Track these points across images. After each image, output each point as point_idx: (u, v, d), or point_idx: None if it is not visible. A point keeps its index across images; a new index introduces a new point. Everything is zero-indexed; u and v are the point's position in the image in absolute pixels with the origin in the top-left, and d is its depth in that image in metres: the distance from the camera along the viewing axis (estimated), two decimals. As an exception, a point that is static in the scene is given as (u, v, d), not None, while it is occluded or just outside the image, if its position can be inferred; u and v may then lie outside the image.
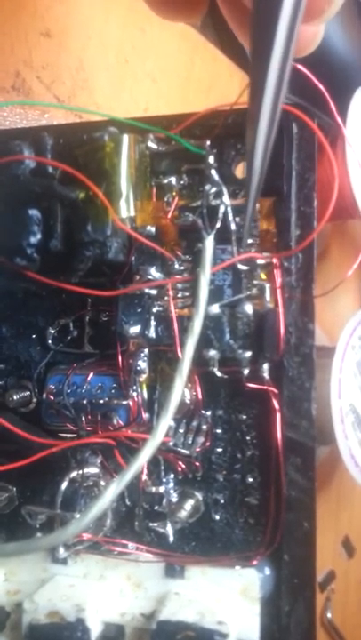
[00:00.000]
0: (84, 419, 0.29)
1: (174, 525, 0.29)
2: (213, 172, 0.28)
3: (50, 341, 0.32)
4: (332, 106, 0.29)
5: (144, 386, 0.29)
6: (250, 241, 0.28)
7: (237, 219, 0.28)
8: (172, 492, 0.30)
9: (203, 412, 0.29)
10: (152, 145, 0.29)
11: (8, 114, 0.42)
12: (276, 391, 0.28)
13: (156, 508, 0.30)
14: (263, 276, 0.28)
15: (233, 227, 0.28)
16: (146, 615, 0.28)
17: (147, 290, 0.29)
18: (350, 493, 0.74)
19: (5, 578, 0.30)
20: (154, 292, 0.29)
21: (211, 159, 0.29)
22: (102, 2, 0.49)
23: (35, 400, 0.32)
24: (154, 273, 0.29)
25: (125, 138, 0.29)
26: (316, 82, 0.28)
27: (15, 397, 0.31)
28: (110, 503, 0.26)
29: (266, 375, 0.28)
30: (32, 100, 0.44)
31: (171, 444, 0.29)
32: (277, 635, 0.28)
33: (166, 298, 0.29)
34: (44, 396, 0.31)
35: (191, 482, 0.30)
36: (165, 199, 0.30)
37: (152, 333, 0.29)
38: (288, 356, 0.28)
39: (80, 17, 0.47)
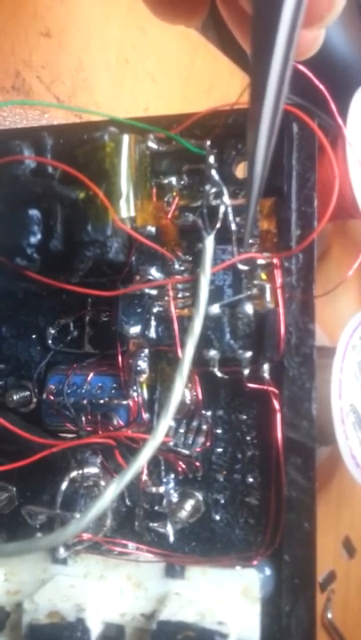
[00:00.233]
0: (84, 419, 0.29)
1: (174, 525, 0.29)
2: (214, 172, 0.28)
3: (50, 341, 0.32)
4: (333, 106, 0.29)
5: (144, 386, 0.29)
6: (250, 241, 0.28)
7: (238, 219, 0.28)
8: (172, 492, 0.30)
9: (203, 412, 0.29)
10: (152, 145, 0.29)
11: (8, 114, 0.42)
12: (276, 391, 0.28)
13: (156, 508, 0.30)
14: (264, 276, 0.28)
15: (233, 227, 0.28)
16: (146, 615, 0.28)
17: (147, 290, 0.29)
18: (351, 494, 0.74)
19: (5, 578, 0.30)
20: (154, 292, 0.29)
21: (211, 159, 0.29)
22: (103, 2, 0.49)
23: (35, 400, 0.32)
24: (154, 273, 0.29)
25: (126, 138, 0.29)
26: (317, 82, 0.27)
27: (15, 397, 0.31)
28: (110, 503, 0.26)
29: (266, 375, 0.28)
30: (32, 99, 0.44)
31: (171, 444, 0.29)
32: (278, 635, 0.27)
33: (167, 298, 0.29)
34: (44, 396, 0.31)
35: (191, 482, 0.30)
36: (166, 199, 0.30)
37: (152, 333, 0.29)
38: (289, 357, 0.28)
39: (80, 17, 0.47)
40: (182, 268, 0.29)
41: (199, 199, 0.29)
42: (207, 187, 0.28)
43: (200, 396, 0.29)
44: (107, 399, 0.29)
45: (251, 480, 0.29)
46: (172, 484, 0.30)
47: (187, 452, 0.29)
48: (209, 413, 0.30)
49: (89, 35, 0.48)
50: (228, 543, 0.29)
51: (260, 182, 0.22)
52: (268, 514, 0.28)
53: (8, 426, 0.29)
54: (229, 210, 0.28)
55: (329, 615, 0.70)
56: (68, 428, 0.30)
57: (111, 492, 0.25)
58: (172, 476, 0.30)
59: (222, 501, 0.29)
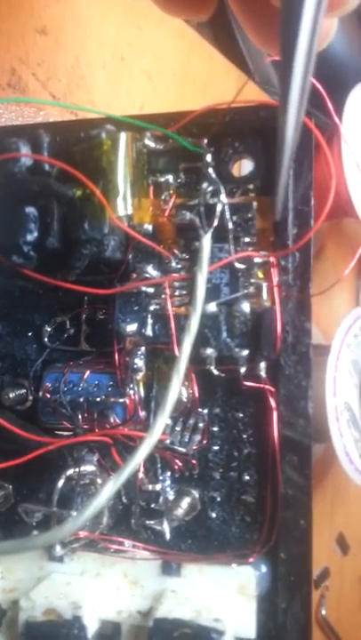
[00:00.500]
0: (80, 417, 0.29)
1: (171, 523, 0.29)
2: (211, 170, 0.28)
3: (46, 339, 0.32)
4: (330, 104, 0.29)
5: (141, 384, 0.29)
6: (247, 240, 0.28)
7: (235, 217, 0.28)
8: (168, 489, 0.30)
9: (200, 410, 0.29)
10: (149, 143, 0.29)
11: (4, 111, 0.42)
12: (272, 389, 0.28)
13: (152, 505, 0.30)
14: (260, 274, 0.28)
15: (230, 225, 0.28)
16: (142, 613, 0.28)
17: (144, 288, 0.29)
18: (345, 491, 0.75)
19: (2, 576, 0.30)
20: (151, 290, 0.29)
21: (208, 157, 0.29)
22: (99, 0, 0.49)
23: (31, 398, 0.32)
24: (151, 271, 0.29)
25: (123, 136, 0.29)
26: (313, 80, 0.27)
27: (11, 395, 0.31)
28: (107, 501, 0.26)
29: (263, 373, 0.28)
30: (28, 97, 0.44)
31: (167, 441, 0.29)
32: (274, 632, 0.28)
33: (163, 296, 0.29)
34: (41, 393, 0.31)
35: (188, 480, 0.30)
36: (163, 197, 0.30)
37: (149, 331, 0.29)
38: (285, 355, 0.28)
39: (77, 15, 0.47)
40: (179, 267, 0.29)
41: (196, 197, 0.29)
42: (204, 185, 0.28)
43: (197, 394, 0.29)
44: (103, 397, 0.29)
45: (247, 478, 0.29)
46: (168, 482, 0.30)
47: (183, 449, 0.29)
48: (205, 411, 0.30)
49: (85, 32, 0.48)
50: (224, 541, 0.29)
51: (293, 145, 0.22)
52: (265, 511, 0.28)
53: (4, 424, 0.29)
54: (226, 208, 0.28)
55: (323, 612, 0.70)
56: (65, 426, 0.30)
57: (108, 489, 0.25)
58: (169, 473, 0.30)
59: (218, 499, 0.30)
